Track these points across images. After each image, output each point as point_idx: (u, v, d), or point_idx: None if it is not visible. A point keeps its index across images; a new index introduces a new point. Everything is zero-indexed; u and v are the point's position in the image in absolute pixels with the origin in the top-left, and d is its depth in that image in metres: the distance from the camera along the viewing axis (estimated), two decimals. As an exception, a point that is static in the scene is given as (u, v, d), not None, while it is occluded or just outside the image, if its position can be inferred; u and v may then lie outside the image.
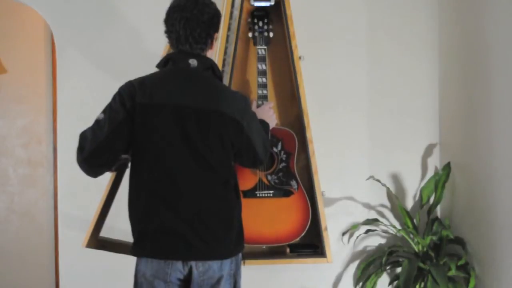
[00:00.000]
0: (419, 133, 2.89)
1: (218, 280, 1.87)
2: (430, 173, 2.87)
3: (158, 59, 2.74)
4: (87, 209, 2.70)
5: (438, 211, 2.87)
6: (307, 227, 2.53)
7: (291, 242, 2.56)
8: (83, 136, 1.87)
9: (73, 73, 2.75)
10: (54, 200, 3.74)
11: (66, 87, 2.76)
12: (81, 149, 1.85)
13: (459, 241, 2.62)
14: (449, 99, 2.81)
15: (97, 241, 2.06)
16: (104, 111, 1.88)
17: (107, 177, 2.72)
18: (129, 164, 1.95)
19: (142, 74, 2.74)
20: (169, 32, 1.96)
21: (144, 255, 1.87)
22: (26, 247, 3.76)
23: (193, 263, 1.84)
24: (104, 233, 2.21)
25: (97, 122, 1.86)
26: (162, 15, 2.76)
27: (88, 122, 2.74)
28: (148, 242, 1.85)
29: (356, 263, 2.85)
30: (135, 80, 1.92)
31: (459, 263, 2.52)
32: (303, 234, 2.52)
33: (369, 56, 2.87)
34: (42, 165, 3.80)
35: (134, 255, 1.91)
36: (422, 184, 2.85)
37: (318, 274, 2.80)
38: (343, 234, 2.82)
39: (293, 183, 2.53)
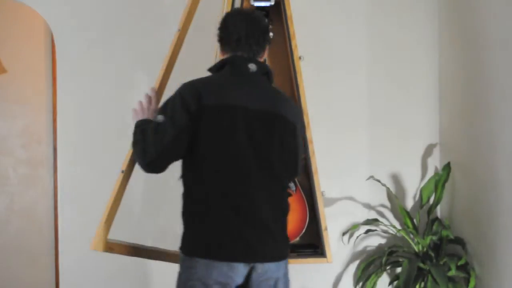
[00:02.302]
0: (419, 133, 2.89)
1: (276, 282, 1.88)
2: (430, 173, 2.87)
3: (158, 59, 2.76)
4: (87, 209, 2.71)
5: (438, 211, 2.87)
6: (305, 227, 2.53)
7: (290, 242, 2.56)
8: (141, 140, 1.85)
9: (73, 73, 2.75)
10: (54, 200, 3.74)
11: (66, 87, 2.76)
12: (143, 153, 1.83)
13: (459, 241, 2.62)
14: (449, 99, 2.81)
15: (106, 243, 2.04)
16: (163, 114, 1.84)
17: (107, 177, 2.73)
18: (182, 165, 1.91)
19: (142, 74, 2.75)
20: (228, 34, 1.95)
21: (210, 258, 1.80)
22: (26, 247, 3.75)
23: (254, 266, 1.83)
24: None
25: (158, 125, 1.83)
26: (162, 15, 2.77)
27: (88, 122, 2.76)
28: (214, 245, 1.81)
29: (356, 263, 2.85)
30: (195, 82, 1.89)
31: (459, 263, 2.52)
32: (301, 234, 2.52)
33: (369, 56, 2.88)
34: (42, 165, 3.80)
35: (197, 256, 1.82)
36: (422, 184, 2.85)
37: (318, 274, 2.80)
38: (343, 234, 2.82)
39: (291, 184, 2.53)
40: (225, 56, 1.96)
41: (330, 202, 2.81)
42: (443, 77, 2.87)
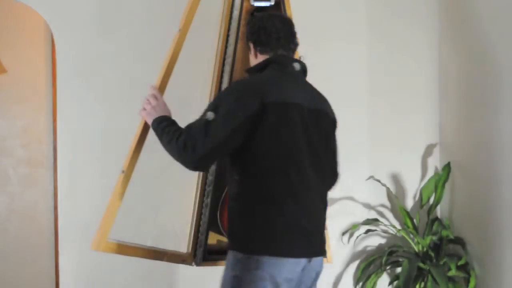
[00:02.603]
0: (419, 133, 2.89)
1: (317, 274, 1.95)
2: (430, 173, 2.87)
3: (158, 58, 2.76)
4: (87, 209, 2.71)
5: (438, 211, 2.87)
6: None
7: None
8: (189, 136, 1.82)
9: (73, 73, 2.75)
10: (54, 200, 3.74)
11: (66, 87, 2.76)
12: (192, 149, 1.80)
13: (459, 241, 2.62)
14: (449, 99, 2.81)
15: (106, 243, 2.04)
16: (215, 111, 1.82)
17: (107, 177, 2.73)
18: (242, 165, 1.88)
19: (142, 74, 2.75)
20: (267, 34, 1.98)
21: (281, 255, 1.80)
22: (26, 247, 3.75)
23: (310, 260, 1.87)
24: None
25: (208, 122, 1.81)
26: (163, 15, 2.77)
27: (88, 122, 2.76)
28: (286, 243, 1.81)
29: (356, 263, 2.85)
30: (252, 80, 1.91)
31: (459, 263, 2.52)
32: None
33: (369, 56, 2.88)
34: (42, 165, 3.80)
35: (267, 255, 1.80)
36: (422, 184, 2.86)
37: (318, 274, 2.80)
38: (343, 234, 2.82)
39: None
40: (263, 57, 1.98)
41: (330, 202, 2.78)
42: (443, 77, 2.87)
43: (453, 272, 2.49)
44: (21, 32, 3.79)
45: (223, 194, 2.50)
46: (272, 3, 2.56)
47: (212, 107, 1.85)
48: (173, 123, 1.95)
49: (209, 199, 2.48)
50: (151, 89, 2.07)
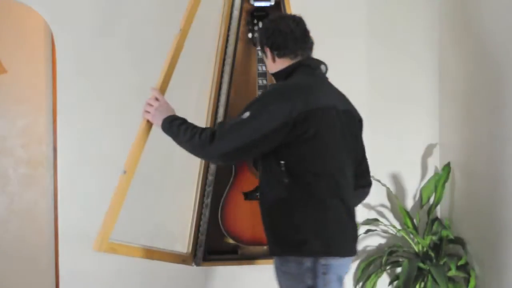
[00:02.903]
0: (419, 133, 2.89)
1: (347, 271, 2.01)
2: (430, 173, 2.87)
3: (158, 58, 2.75)
4: (87, 209, 2.71)
5: (438, 211, 2.87)
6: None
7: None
8: (220, 130, 1.85)
9: (73, 73, 2.75)
10: (54, 200, 3.74)
11: (66, 87, 2.76)
12: (219, 143, 1.83)
13: (459, 241, 2.62)
14: (449, 99, 2.81)
15: (108, 244, 2.04)
16: (251, 113, 1.83)
17: (107, 177, 2.73)
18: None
19: (142, 74, 2.75)
20: (283, 36, 1.97)
21: (344, 255, 1.88)
22: (26, 247, 3.75)
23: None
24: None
25: (242, 121, 1.83)
26: (163, 15, 2.77)
27: (88, 122, 2.76)
28: (343, 243, 1.88)
29: (356, 263, 2.85)
30: (292, 85, 1.91)
31: (459, 263, 2.52)
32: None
33: (369, 56, 2.88)
34: (42, 165, 3.79)
35: (331, 255, 1.85)
36: (422, 184, 2.86)
37: (318, 274, 2.80)
38: (343, 234, 2.82)
39: None
40: (282, 60, 1.98)
41: (330, 202, 2.81)
42: (443, 77, 2.87)
43: (453, 272, 2.49)
44: (21, 32, 3.78)
45: (224, 195, 2.50)
46: (272, 3, 2.57)
47: (250, 108, 1.86)
48: (185, 121, 1.97)
49: (209, 199, 2.49)
50: (152, 91, 2.07)
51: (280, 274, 1.91)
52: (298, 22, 2.02)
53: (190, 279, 2.73)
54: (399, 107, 2.88)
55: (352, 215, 1.93)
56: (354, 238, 1.95)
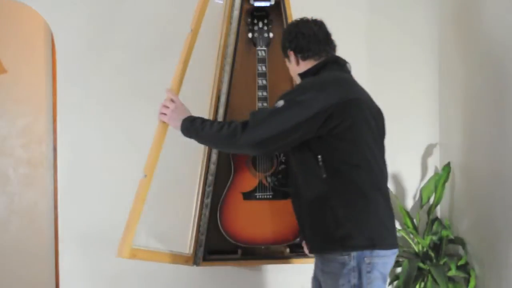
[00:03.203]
0: (419, 133, 2.89)
1: None
2: (430, 173, 2.87)
3: (158, 58, 2.76)
4: (87, 209, 2.71)
5: (438, 211, 2.87)
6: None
7: (291, 243, 2.56)
8: (253, 118, 1.87)
9: (73, 73, 2.75)
10: (54, 200, 3.74)
11: (66, 87, 2.76)
12: (253, 131, 1.84)
13: (459, 241, 2.62)
14: (449, 99, 2.81)
15: (131, 250, 2.03)
16: (286, 102, 1.85)
17: (107, 177, 2.73)
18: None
19: (142, 74, 2.75)
20: (307, 39, 2.02)
21: (389, 247, 1.88)
22: (26, 247, 3.75)
23: None
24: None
25: (276, 110, 1.84)
26: (162, 15, 2.77)
27: (88, 122, 2.76)
28: (390, 235, 1.89)
29: (356, 263, 2.85)
30: (326, 77, 1.94)
31: (459, 263, 2.52)
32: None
33: (369, 56, 2.88)
34: (42, 165, 3.80)
35: (383, 248, 1.86)
36: (422, 184, 2.86)
37: (318, 274, 2.80)
38: (343, 234, 2.82)
39: None
40: (306, 63, 2.02)
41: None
42: (443, 77, 2.87)
43: (453, 272, 2.49)
44: (21, 32, 3.79)
45: (223, 195, 2.50)
46: (272, 3, 2.57)
47: (285, 97, 1.87)
48: (206, 119, 1.98)
49: (209, 200, 2.49)
50: (167, 93, 2.07)
51: (323, 274, 1.91)
52: (320, 25, 2.07)
53: (190, 279, 2.73)
54: (399, 107, 2.88)
55: (390, 207, 1.93)
56: (395, 230, 1.94)
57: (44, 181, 3.80)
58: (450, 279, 2.53)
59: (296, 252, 2.59)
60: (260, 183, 2.51)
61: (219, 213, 2.48)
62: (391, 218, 1.92)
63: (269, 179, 2.51)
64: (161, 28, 2.77)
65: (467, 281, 2.52)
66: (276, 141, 1.84)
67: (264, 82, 2.52)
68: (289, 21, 2.56)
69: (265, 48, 2.55)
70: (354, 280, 1.82)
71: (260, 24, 2.58)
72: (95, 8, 2.76)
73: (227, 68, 2.54)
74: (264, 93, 2.50)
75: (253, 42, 2.59)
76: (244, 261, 2.57)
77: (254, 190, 2.50)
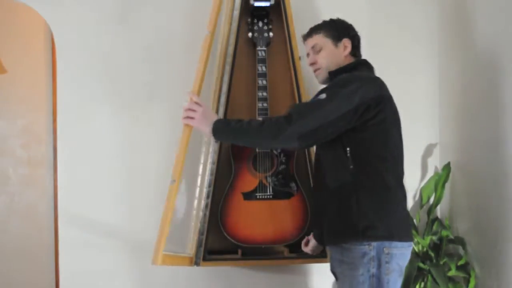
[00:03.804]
0: (419, 133, 2.89)
1: None
2: (430, 173, 2.87)
3: (158, 57, 2.76)
4: (87, 209, 2.71)
5: (438, 211, 2.87)
6: (306, 228, 2.53)
7: (291, 243, 2.56)
8: (297, 111, 1.91)
9: (73, 73, 2.75)
10: (54, 200, 3.74)
11: (66, 87, 2.76)
12: (298, 124, 1.87)
13: (459, 241, 2.62)
14: (449, 99, 2.81)
15: (163, 256, 2.04)
16: (328, 93, 1.91)
17: (107, 178, 2.73)
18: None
19: (142, 74, 2.75)
20: (358, 40, 2.18)
21: (404, 240, 1.92)
22: (26, 247, 3.76)
23: None
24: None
25: (320, 102, 1.90)
26: (162, 15, 2.77)
27: (88, 122, 2.76)
28: (405, 228, 1.95)
29: (356, 263, 2.85)
30: (363, 73, 2.04)
31: (459, 263, 2.52)
32: (302, 234, 2.52)
33: (368, 56, 2.87)
34: (42, 165, 3.80)
35: (403, 240, 1.92)
36: (422, 184, 2.85)
37: (318, 274, 2.80)
38: (343, 234, 2.82)
39: (292, 185, 2.53)
40: (348, 57, 2.13)
41: (330, 202, 2.81)
42: (443, 76, 2.87)
43: (453, 272, 2.49)
44: (21, 32, 3.79)
45: (223, 195, 2.50)
46: (272, 3, 2.57)
47: (326, 91, 1.93)
48: (239, 119, 2.01)
49: (209, 200, 2.49)
50: (192, 96, 2.09)
51: (341, 264, 1.94)
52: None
53: (190, 279, 2.73)
54: (399, 107, 2.86)
55: (406, 202, 2.00)
56: (410, 224, 2.03)
57: (44, 181, 3.80)
58: (450, 279, 2.53)
59: (296, 252, 2.59)
60: (261, 183, 2.51)
61: (219, 213, 2.48)
62: (407, 213, 2.01)
63: (269, 179, 2.52)
64: (161, 28, 2.77)
65: (467, 281, 2.52)
66: (320, 132, 1.88)
67: (264, 82, 2.52)
68: (289, 21, 2.56)
69: (265, 48, 2.56)
70: (373, 270, 1.86)
71: (260, 24, 2.58)
72: (95, 8, 2.76)
73: (227, 68, 2.54)
74: (264, 93, 2.50)
75: (253, 42, 2.59)
76: (244, 261, 2.57)
77: (255, 190, 2.50)
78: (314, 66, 2.16)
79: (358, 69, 2.07)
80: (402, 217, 1.95)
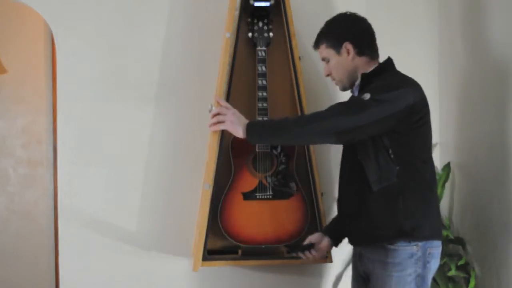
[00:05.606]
0: (419, 133, 2.88)
1: None
2: (430, 173, 2.87)
3: (159, 58, 2.76)
4: (87, 209, 2.71)
5: (438, 211, 2.87)
6: (306, 228, 2.53)
7: (291, 243, 2.56)
8: (343, 109, 1.94)
9: (73, 73, 2.75)
10: (54, 200, 3.74)
11: (66, 87, 2.76)
12: (343, 119, 1.90)
13: (459, 241, 2.62)
14: (449, 99, 2.81)
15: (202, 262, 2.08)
16: (373, 94, 1.91)
17: (107, 178, 2.73)
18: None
19: (142, 73, 2.75)
20: (370, 36, 2.15)
21: (441, 239, 2.01)
22: (26, 247, 3.76)
23: None
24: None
25: (364, 103, 1.90)
26: (161, 15, 2.77)
27: (88, 122, 2.76)
28: (441, 228, 2.05)
29: (356, 263, 2.84)
30: (405, 77, 2.07)
31: (459, 263, 2.52)
32: (302, 234, 2.52)
33: (369, 56, 2.87)
34: (42, 165, 3.80)
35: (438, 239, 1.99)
36: (422, 184, 2.85)
37: (318, 274, 2.80)
38: (343, 234, 2.82)
39: (292, 185, 2.53)
40: (361, 58, 2.09)
41: (331, 202, 2.80)
42: (443, 76, 2.86)
43: (453, 272, 2.49)
44: (21, 32, 3.79)
45: (223, 195, 2.50)
46: (272, 2, 2.57)
47: (371, 91, 1.92)
48: (272, 119, 2.08)
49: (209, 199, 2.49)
50: (218, 101, 2.13)
51: (383, 266, 1.94)
52: (368, 22, 2.14)
53: (190, 279, 2.73)
54: (399, 107, 2.87)
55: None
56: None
57: (44, 181, 3.80)
58: (450, 279, 2.52)
59: (294, 251, 2.59)
60: (260, 183, 2.51)
61: (219, 213, 2.48)
62: (440, 212, 2.07)
63: (269, 179, 2.52)
64: (161, 28, 2.77)
65: (467, 281, 2.52)
66: (361, 131, 1.90)
67: (264, 82, 2.51)
68: (289, 21, 2.56)
69: (265, 49, 2.55)
70: (419, 270, 1.91)
71: (260, 24, 2.58)
72: (95, 8, 2.76)
73: (227, 68, 2.54)
74: (264, 94, 2.50)
75: (253, 42, 2.59)
76: (244, 261, 2.57)
77: (254, 190, 2.50)
78: (331, 77, 2.18)
79: (388, 70, 2.10)
80: (439, 216, 2.04)
